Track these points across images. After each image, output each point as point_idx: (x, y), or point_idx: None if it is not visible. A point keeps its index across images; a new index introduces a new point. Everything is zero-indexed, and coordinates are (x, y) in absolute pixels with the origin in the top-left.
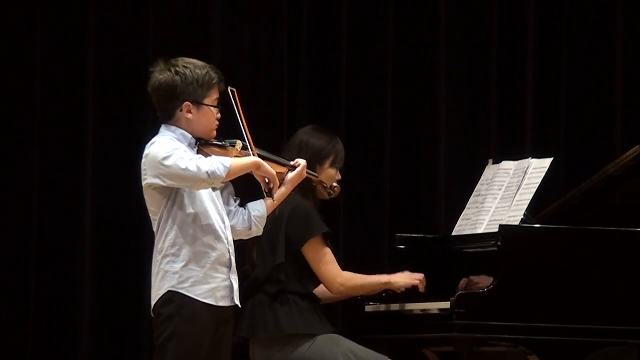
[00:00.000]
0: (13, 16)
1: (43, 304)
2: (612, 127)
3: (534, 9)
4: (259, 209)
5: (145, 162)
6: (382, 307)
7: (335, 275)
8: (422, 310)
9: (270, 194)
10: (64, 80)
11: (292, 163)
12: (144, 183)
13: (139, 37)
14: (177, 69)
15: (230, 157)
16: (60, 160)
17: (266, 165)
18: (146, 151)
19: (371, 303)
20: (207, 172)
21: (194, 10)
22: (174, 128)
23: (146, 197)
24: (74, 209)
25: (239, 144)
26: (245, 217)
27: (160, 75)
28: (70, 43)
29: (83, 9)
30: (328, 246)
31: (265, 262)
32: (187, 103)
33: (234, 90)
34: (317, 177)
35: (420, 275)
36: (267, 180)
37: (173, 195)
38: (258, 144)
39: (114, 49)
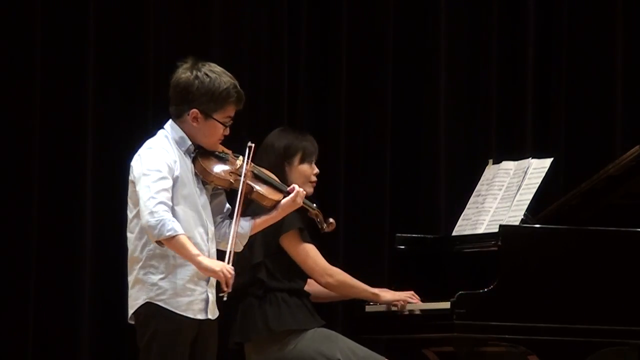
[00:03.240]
0: (13, 16)
1: (43, 303)
2: (612, 127)
3: (533, 9)
4: (243, 226)
5: (134, 161)
6: (382, 307)
7: (322, 268)
8: (422, 310)
9: (222, 292)
10: (64, 80)
11: (287, 189)
12: (129, 177)
13: (139, 37)
14: (199, 73)
15: (225, 175)
16: (60, 160)
17: (205, 262)
18: (140, 151)
19: (371, 303)
20: (150, 225)
21: (194, 10)
22: (177, 128)
23: (129, 190)
24: (74, 208)
25: (240, 159)
26: (228, 231)
27: (183, 73)
28: (70, 43)
29: (83, 8)
30: (307, 241)
31: (245, 264)
32: (195, 110)
33: (252, 146)
34: (314, 209)
35: (409, 293)
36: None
37: None
38: (258, 145)
39: (114, 48)
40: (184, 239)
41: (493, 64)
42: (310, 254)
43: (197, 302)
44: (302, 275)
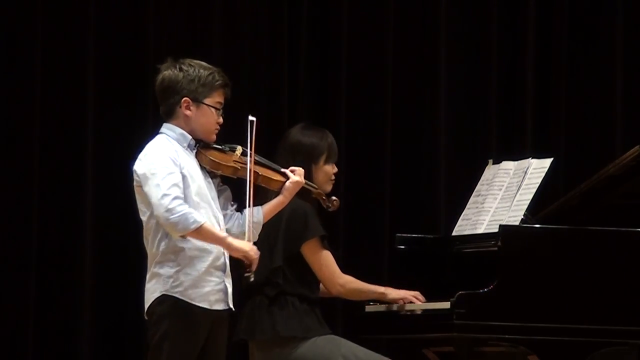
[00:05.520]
0: (13, 16)
1: (43, 305)
2: (612, 127)
3: (533, 8)
4: (256, 215)
5: (136, 165)
6: (382, 307)
7: (336, 277)
8: (422, 310)
9: (248, 272)
10: (64, 80)
11: (287, 171)
12: (134, 183)
13: (139, 37)
14: (183, 66)
15: (229, 161)
16: (60, 161)
17: (235, 244)
18: (140, 155)
19: (371, 303)
20: (172, 222)
21: (194, 10)
22: (174, 127)
23: (137, 196)
24: (74, 209)
25: (239, 149)
26: (241, 222)
27: (166, 71)
28: (70, 43)
29: (83, 8)
30: (326, 248)
31: (263, 264)
32: (186, 99)
33: (254, 120)
34: (316, 188)
35: (416, 293)
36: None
37: None
38: (259, 145)
39: (114, 48)
40: (208, 225)
41: (493, 64)
42: (327, 263)
43: (214, 293)
44: (317, 283)
